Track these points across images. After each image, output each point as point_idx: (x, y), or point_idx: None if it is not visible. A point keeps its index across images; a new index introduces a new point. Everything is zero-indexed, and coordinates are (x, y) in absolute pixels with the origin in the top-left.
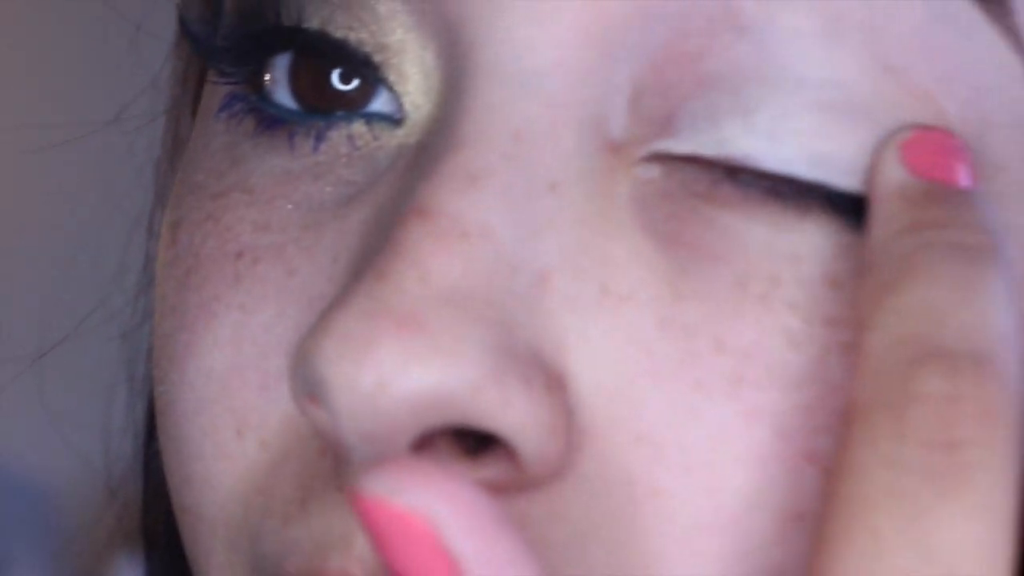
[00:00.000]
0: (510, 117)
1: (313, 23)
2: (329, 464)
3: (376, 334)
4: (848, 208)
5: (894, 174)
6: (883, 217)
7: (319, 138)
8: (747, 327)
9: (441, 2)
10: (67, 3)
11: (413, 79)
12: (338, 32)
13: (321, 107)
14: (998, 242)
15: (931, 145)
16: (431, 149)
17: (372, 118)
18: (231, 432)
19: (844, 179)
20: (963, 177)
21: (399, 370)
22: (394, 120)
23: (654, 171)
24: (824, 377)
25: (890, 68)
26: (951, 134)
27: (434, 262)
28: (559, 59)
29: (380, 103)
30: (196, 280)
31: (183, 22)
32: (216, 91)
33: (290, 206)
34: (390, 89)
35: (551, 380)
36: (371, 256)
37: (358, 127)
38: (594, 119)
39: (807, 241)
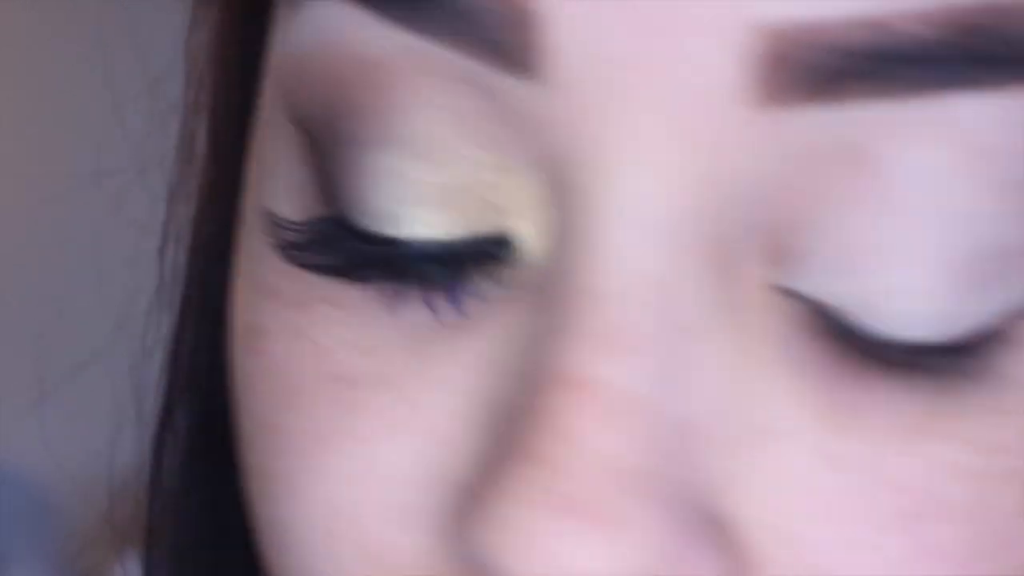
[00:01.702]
0: (644, 267)
1: (413, 226)
2: None
3: (558, 527)
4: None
5: None
6: None
7: (455, 301)
8: (915, 461)
9: (549, 146)
10: (75, 18)
11: (521, 217)
12: (440, 224)
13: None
14: None
15: None
16: (560, 299)
17: (486, 260)
18: (365, 566)
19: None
20: None
21: (583, 566)
22: (500, 254)
23: (795, 306)
24: (990, 505)
25: (1016, 188)
26: None
27: (597, 441)
28: (683, 206)
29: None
30: (299, 402)
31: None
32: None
33: (392, 331)
34: (497, 236)
35: (721, 535)
36: (525, 431)
37: (472, 274)
38: (723, 256)
39: (955, 382)
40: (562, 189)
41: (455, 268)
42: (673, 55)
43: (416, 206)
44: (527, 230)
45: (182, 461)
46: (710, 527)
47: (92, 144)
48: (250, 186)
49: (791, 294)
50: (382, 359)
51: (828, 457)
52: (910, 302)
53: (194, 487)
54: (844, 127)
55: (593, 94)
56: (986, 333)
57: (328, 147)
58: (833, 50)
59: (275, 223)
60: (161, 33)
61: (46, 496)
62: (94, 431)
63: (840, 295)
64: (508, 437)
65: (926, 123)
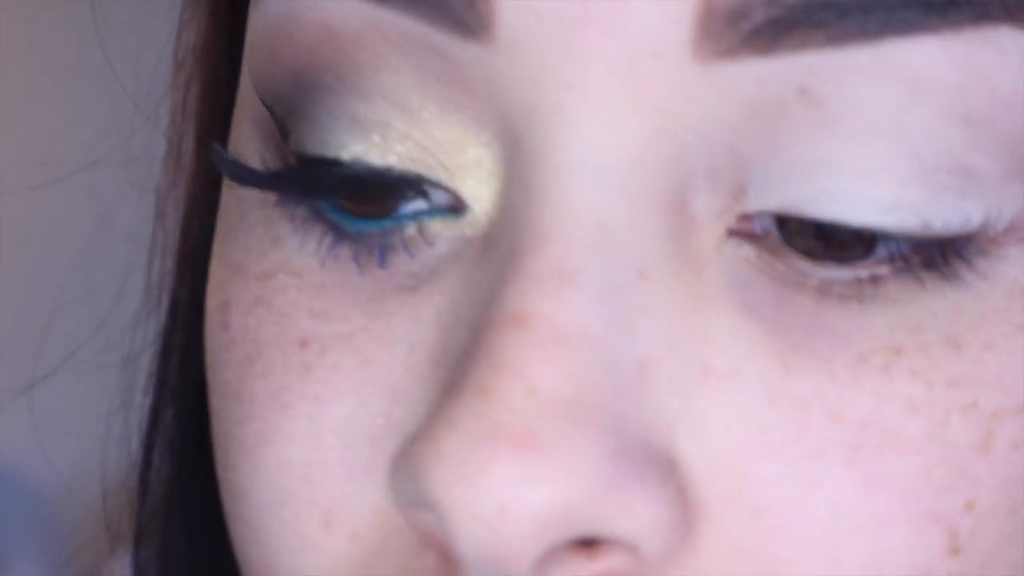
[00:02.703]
0: (592, 210)
1: (352, 152)
2: (433, 560)
3: (491, 457)
4: (956, 261)
5: None
6: None
7: (383, 255)
8: (865, 397)
9: (500, 105)
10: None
11: (472, 174)
12: (379, 159)
13: (373, 213)
14: None
15: None
16: (508, 246)
17: (427, 215)
18: (317, 524)
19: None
20: None
21: (520, 494)
22: (451, 210)
23: (746, 250)
24: (945, 438)
25: (971, 121)
26: None
27: (539, 374)
28: (633, 156)
29: (430, 197)
30: (261, 368)
31: (223, 161)
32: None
33: (347, 294)
34: (442, 185)
35: (664, 471)
36: (468, 367)
37: (411, 231)
38: (674, 203)
39: (926, 307)
40: (515, 148)
41: (394, 198)
42: (619, 13)
43: (369, 156)
44: (480, 190)
45: (171, 462)
46: (655, 462)
47: (79, 144)
48: (229, 184)
49: (744, 236)
50: (337, 320)
51: (777, 396)
52: (866, 194)
53: (183, 488)
54: (790, 74)
55: (541, 55)
56: (943, 245)
57: (292, 121)
58: (764, 5)
59: (237, 169)
60: (149, 35)
61: (45, 496)
62: (92, 431)
63: (795, 202)
64: (454, 378)
65: (871, 66)
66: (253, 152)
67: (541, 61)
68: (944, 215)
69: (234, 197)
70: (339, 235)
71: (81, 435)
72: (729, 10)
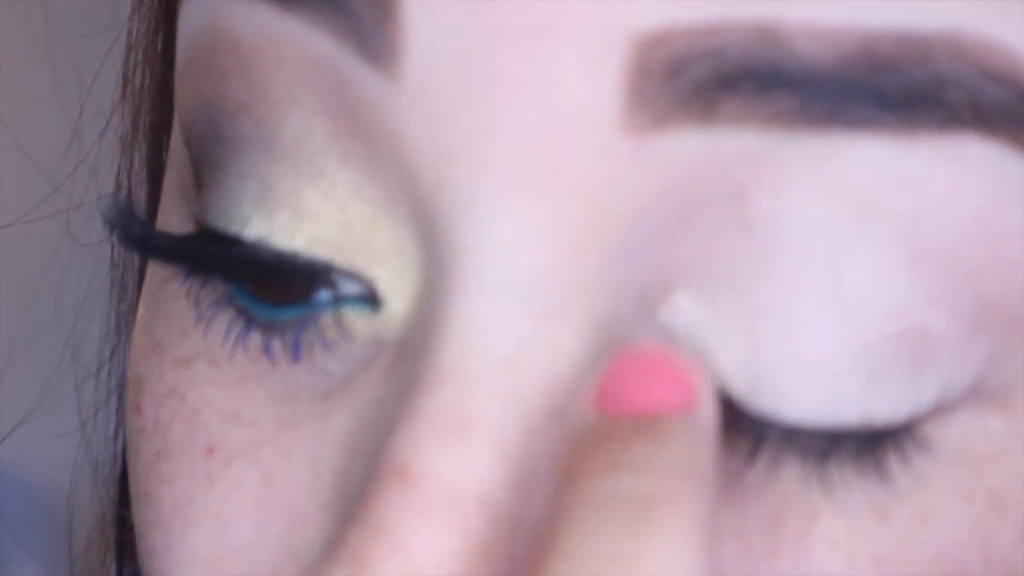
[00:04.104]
0: (501, 340)
1: (257, 231)
2: None
3: None
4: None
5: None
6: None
7: (297, 347)
8: (783, 569)
9: (409, 172)
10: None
11: (390, 260)
12: (286, 241)
13: (284, 299)
14: (687, 479)
15: (628, 367)
16: (409, 377)
17: (342, 304)
18: None
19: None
20: (660, 400)
21: None
22: (368, 302)
23: None
24: None
25: (922, 254)
26: (656, 350)
27: (421, 545)
28: (551, 264)
29: (339, 288)
30: (167, 470)
31: (108, 215)
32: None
33: (262, 392)
34: (355, 275)
35: None
36: (349, 522)
37: (327, 321)
38: (599, 325)
39: (841, 470)
40: (429, 235)
41: (303, 286)
42: (536, 67)
43: (275, 219)
44: (398, 283)
45: None
46: None
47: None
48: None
49: None
50: (247, 425)
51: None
52: (793, 380)
53: None
54: (728, 157)
55: (449, 106)
56: (880, 430)
57: (205, 173)
58: (706, 57)
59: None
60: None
61: (45, 496)
62: (91, 431)
63: (722, 364)
64: (337, 532)
65: (813, 166)
66: (171, 207)
67: (449, 115)
68: (890, 405)
69: (157, 267)
70: (249, 322)
71: (81, 435)
72: (667, 66)
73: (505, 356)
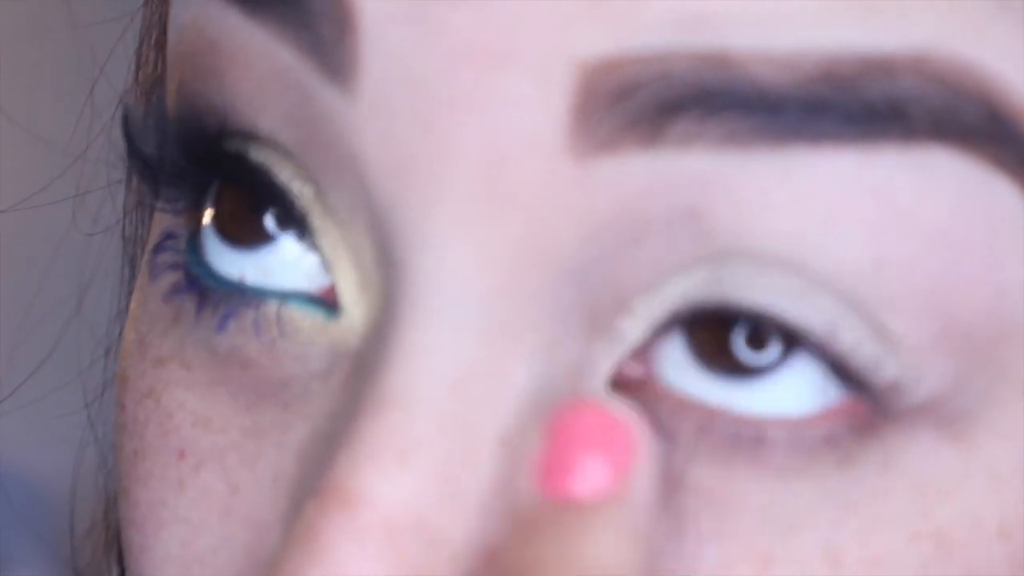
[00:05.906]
0: (448, 365)
1: (257, 158)
2: None
3: None
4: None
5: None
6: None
7: (225, 319)
8: None
9: (369, 193)
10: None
11: (353, 270)
12: (283, 175)
13: (243, 241)
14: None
15: (563, 440)
16: (358, 396)
17: (296, 300)
18: None
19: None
20: (592, 486)
21: None
22: (326, 305)
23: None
24: None
25: (887, 263)
26: (593, 420)
27: (356, 568)
28: (498, 286)
29: (308, 276)
30: (143, 471)
31: (129, 151)
32: (160, 220)
33: (229, 397)
34: (324, 269)
35: None
36: (288, 539)
37: (269, 310)
38: (549, 347)
39: (802, 498)
40: (385, 250)
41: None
42: (488, 84)
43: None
44: (360, 294)
45: None
46: None
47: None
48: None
49: (627, 389)
50: (216, 431)
51: None
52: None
53: None
54: (678, 181)
55: (404, 123)
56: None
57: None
58: (654, 81)
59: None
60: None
61: (46, 496)
62: (91, 431)
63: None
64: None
65: (772, 181)
66: None
67: (401, 135)
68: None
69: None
70: (191, 283)
71: (81, 435)
72: (614, 91)
73: (452, 380)
